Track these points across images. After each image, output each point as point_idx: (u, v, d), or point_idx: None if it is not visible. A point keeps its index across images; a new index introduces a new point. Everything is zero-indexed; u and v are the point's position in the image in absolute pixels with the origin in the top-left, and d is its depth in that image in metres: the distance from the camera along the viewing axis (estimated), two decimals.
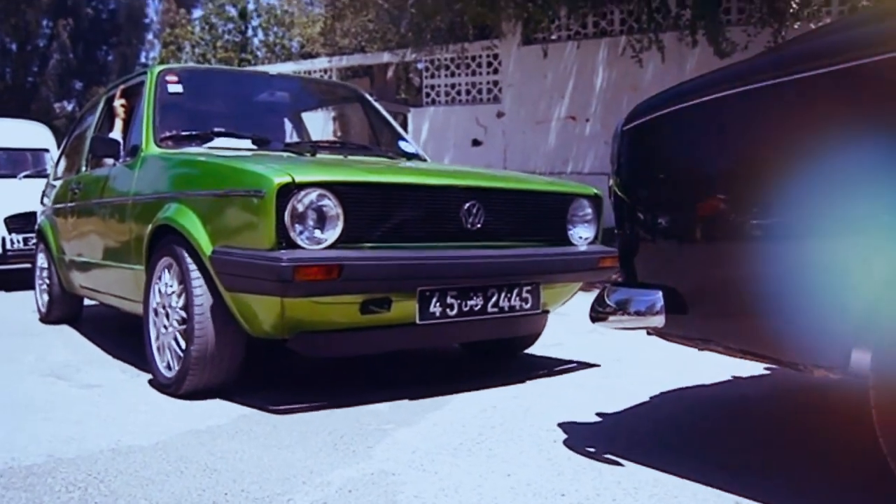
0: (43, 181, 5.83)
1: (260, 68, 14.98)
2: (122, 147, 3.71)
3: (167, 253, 2.96)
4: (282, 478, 1.99)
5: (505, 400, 2.80)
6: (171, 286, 2.94)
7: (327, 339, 2.74)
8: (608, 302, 2.09)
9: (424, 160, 4.12)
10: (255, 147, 3.49)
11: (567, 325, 4.37)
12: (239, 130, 3.61)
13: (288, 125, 4.61)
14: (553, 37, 10.64)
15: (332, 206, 2.55)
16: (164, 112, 3.56)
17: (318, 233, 2.54)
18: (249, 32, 21.93)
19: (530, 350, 3.68)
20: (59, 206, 4.76)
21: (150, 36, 33.46)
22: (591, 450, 2.18)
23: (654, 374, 3.16)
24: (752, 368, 3.09)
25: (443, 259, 2.71)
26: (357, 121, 4.90)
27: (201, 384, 2.80)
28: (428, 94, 11.70)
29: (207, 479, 1.99)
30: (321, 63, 13.60)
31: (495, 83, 11.11)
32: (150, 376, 3.12)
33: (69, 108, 30.22)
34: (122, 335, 4.35)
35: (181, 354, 2.82)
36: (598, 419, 2.55)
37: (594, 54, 10.23)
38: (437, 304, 2.73)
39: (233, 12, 21.62)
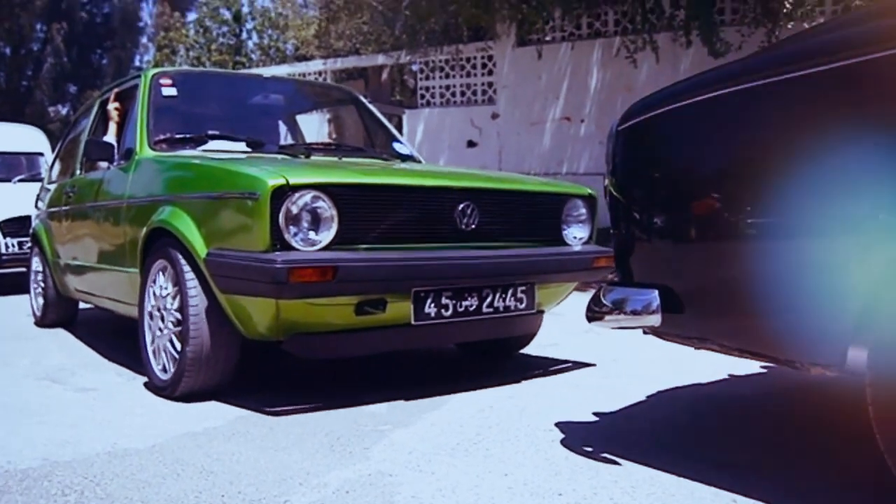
0: (37, 185, 5.82)
1: (254, 71, 14.97)
2: (116, 150, 3.70)
3: (162, 256, 2.96)
4: (278, 479, 1.98)
5: (501, 400, 2.80)
6: (165, 288, 2.93)
7: (322, 341, 2.73)
8: (604, 301, 2.09)
9: (419, 162, 4.12)
10: (249, 150, 3.48)
11: (563, 325, 4.37)
12: (233, 133, 3.60)
13: (282, 127, 4.60)
14: (547, 38, 10.66)
15: (326, 207, 2.55)
16: (158, 115, 3.56)
17: (312, 234, 2.53)
18: (244, 35, 21.93)
19: (526, 350, 3.68)
20: (53, 209, 4.75)
21: (144, 39, 33.50)
22: (589, 449, 2.18)
23: (651, 374, 3.17)
24: (748, 367, 3.10)
25: (437, 260, 2.71)
26: (351, 123, 4.91)
27: (197, 386, 2.80)
28: (423, 96, 11.71)
29: (204, 481, 1.98)
30: (316, 65, 13.61)
31: (490, 84, 11.12)
32: (145, 379, 3.11)
33: (63, 111, 30.20)
34: (117, 338, 4.34)
35: (177, 356, 2.82)
36: (594, 419, 2.55)
37: (588, 55, 10.24)
38: (432, 304, 2.73)
39: (227, 15, 21.61)
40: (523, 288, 2.95)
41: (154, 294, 3.02)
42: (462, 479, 1.97)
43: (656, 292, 1.97)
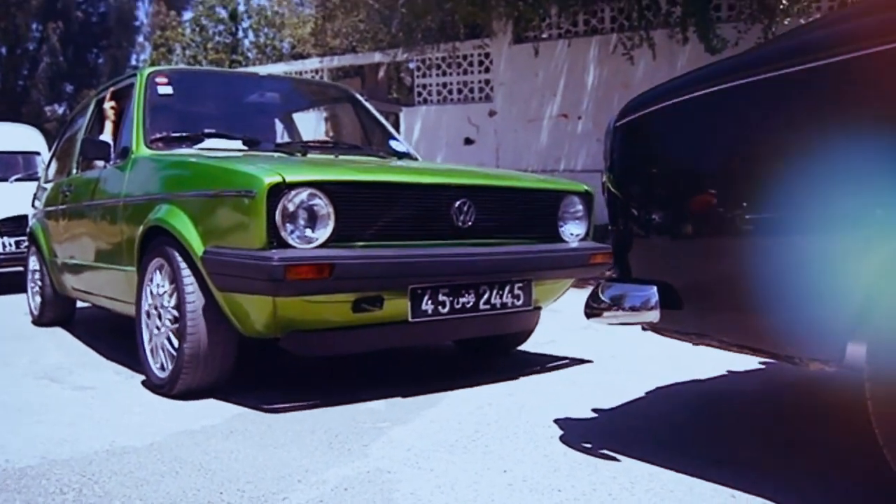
0: (34, 184, 5.81)
1: (251, 69, 14.96)
2: (112, 149, 3.70)
3: (159, 254, 2.95)
4: (277, 477, 1.98)
5: (500, 397, 2.80)
6: (162, 286, 2.93)
7: (320, 338, 2.73)
8: (602, 298, 2.09)
9: (415, 159, 4.12)
10: (245, 148, 3.48)
11: (560, 322, 4.37)
12: (229, 131, 3.60)
13: (279, 126, 4.60)
14: (544, 35, 10.65)
15: (322, 205, 2.55)
16: (154, 114, 3.55)
17: (309, 232, 2.53)
18: (240, 34, 21.88)
19: (523, 347, 3.68)
20: (50, 208, 4.74)
21: (140, 38, 33.41)
22: (587, 446, 2.18)
23: (649, 370, 3.17)
24: (746, 363, 3.10)
25: (434, 257, 2.71)
26: (348, 121, 4.89)
27: (194, 384, 2.80)
28: (419, 94, 11.70)
29: (202, 478, 1.98)
30: (312, 64, 13.59)
31: (487, 82, 11.11)
32: (143, 378, 3.11)
33: (60, 111, 30.13)
34: (114, 337, 4.33)
35: (174, 354, 2.81)
36: (593, 415, 2.55)
37: (585, 52, 10.23)
38: (429, 301, 2.73)
39: (223, 14, 21.56)
40: (520, 285, 2.95)
41: (151, 292, 3.02)
42: (461, 475, 1.97)
43: (655, 288, 1.97)
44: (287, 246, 2.49)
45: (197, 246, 2.72)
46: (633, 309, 2.01)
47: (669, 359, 3.29)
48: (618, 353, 3.60)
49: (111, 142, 3.78)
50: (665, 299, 1.96)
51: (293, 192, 2.50)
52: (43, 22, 29.53)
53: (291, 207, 2.50)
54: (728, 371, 3.08)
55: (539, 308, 3.25)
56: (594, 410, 2.59)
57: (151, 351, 3.02)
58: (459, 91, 11.34)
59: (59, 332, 4.67)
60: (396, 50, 11.23)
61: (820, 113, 1.62)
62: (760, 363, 3.12)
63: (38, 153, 8.00)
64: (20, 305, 5.59)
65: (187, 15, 24.97)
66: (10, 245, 6.71)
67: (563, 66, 10.39)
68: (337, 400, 2.74)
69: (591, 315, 2.13)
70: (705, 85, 1.89)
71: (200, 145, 3.43)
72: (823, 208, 1.55)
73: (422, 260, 2.68)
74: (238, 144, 3.48)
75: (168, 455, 2.18)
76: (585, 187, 3.33)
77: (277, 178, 2.49)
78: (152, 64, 20.79)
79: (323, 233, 2.55)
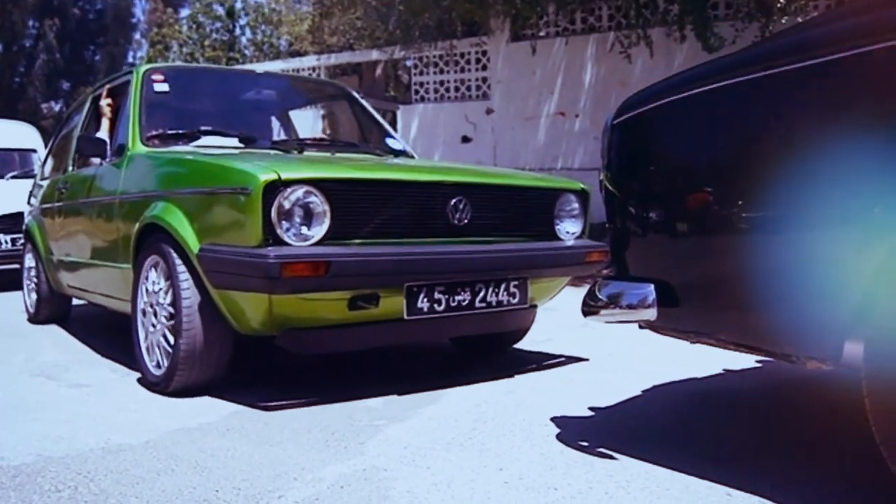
0: (30, 181, 5.80)
1: (247, 67, 14.93)
2: (108, 146, 3.69)
3: (154, 251, 2.95)
4: (273, 474, 1.98)
5: (496, 395, 2.79)
6: (158, 284, 2.92)
7: (316, 336, 2.73)
8: (600, 296, 2.09)
9: (412, 157, 4.12)
10: (241, 145, 3.47)
11: (557, 320, 4.37)
12: (226, 129, 3.59)
13: (275, 123, 4.59)
14: (541, 33, 10.64)
15: (318, 202, 2.54)
16: (151, 111, 3.55)
17: (305, 229, 2.53)
18: (237, 31, 21.86)
19: (519, 345, 3.68)
20: (46, 206, 4.73)
21: (137, 35, 33.37)
22: (584, 444, 2.18)
23: (646, 368, 3.17)
24: (743, 362, 3.10)
25: (430, 255, 2.71)
26: (345, 119, 4.89)
27: (190, 381, 2.79)
28: (417, 92, 11.69)
29: (198, 476, 1.98)
30: (309, 61, 13.56)
31: (484, 80, 11.10)
32: (139, 375, 3.10)
33: (56, 108, 30.07)
34: (110, 334, 4.32)
35: (170, 351, 2.81)
36: (590, 413, 2.55)
37: (582, 50, 10.23)
38: (425, 299, 2.73)
39: (220, 11, 21.53)
40: (516, 282, 2.95)
41: (147, 290, 3.01)
42: (457, 473, 1.96)
43: (652, 286, 1.97)
44: (283, 243, 2.48)
45: (193, 243, 2.71)
46: (630, 307, 2.01)
47: (666, 357, 3.28)
48: (615, 352, 3.60)
49: (108, 139, 3.77)
50: (662, 297, 1.96)
51: (289, 190, 2.49)
52: (39, 19, 29.46)
53: (287, 205, 2.50)
54: (725, 369, 3.08)
55: (535, 306, 3.25)
56: (591, 409, 2.59)
57: (147, 349, 3.01)
58: (457, 89, 11.33)
59: (54, 330, 4.66)
60: (394, 48, 11.21)
61: (817, 111, 1.62)
62: (757, 361, 3.12)
63: (34, 150, 7.99)
64: (16, 303, 5.58)
65: (184, 12, 24.96)
66: (6, 242, 6.70)
67: (561, 64, 10.39)
68: (333, 398, 2.74)
69: (588, 313, 2.12)
70: (703, 83, 1.89)
71: (196, 143, 3.43)
72: (821, 206, 1.55)
73: (418, 258, 2.68)
74: (234, 142, 3.48)
75: (164, 453, 2.18)
76: (581, 185, 3.33)
77: (273, 176, 2.48)
78: (149, 61, 20.76)
79: (319, 230, 2.54)
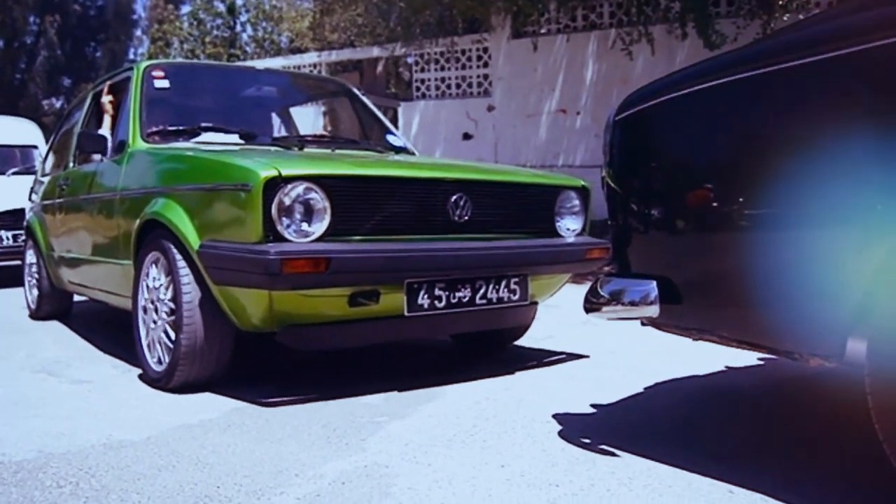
0: (31, 178, 5.79)
1: (248, 63, 14.92)
2: (109, 143, 3.69)
3: (155, 248, 2.95)
4: (274, 471, 1.98)
5: (497, 392, 2.79)
6: (158, 280, 2.92)
7: (316, 332, 2.73)
8: (602, 293, 2.08)
9: (412, 154, 4.11)
10: (242, 142, 3.47)
11: (558, 317, 4.37)
12: (226, 125, 3.58)
13: (276, 120, 4.59)
14: (543, 30, 10.63)
15: (319, 199, 2.54)
16: (151, 107, 3.54)
17: (305, 226, 2.52)
18: (238, 28, 21.81)
19: (520, 342, 3.68)
20: (47, 202, 4.73)
21: (138, 32, 33.35)
22: (586, 441, 2.18)
23: (648, 365, 3.16)
24: (745, 359, 3.10)
25: (430, 251, 2.71)
26: (346, 115, 4.89)
27: (191, 377, 2.79)
28: (418, 89, 11.68)
29: (199, 472, 1.98)
30: (310, 58, 13.55)
31: (485, 77, 11.09)
32: (140, 372, 3.10)
33: (57, 104, 30.07)
34: (112, 330, 4.32)
35: (171, 346, 2.81)
36: (592, 410, 2.54)
37: (584, 47, 10.22)
38: (426, 296, 2.72)
39: (221, 7, 21.49)
40: (516, 279, 2.94)
41: (148, 287, 3.01)
42: (459, 470, 1.96)
43: (654, 283, 1.96)
44: (283, 240, 2.48)
45: (193, 239, 2.71)
46: (632, 304, 2.00)
47: (668, 354, 3.28)
48: (616, 349, 3.60)
49: (110, 136, 3.77)
50: (665, 294, 1.95)
51: (289, 186, 2.49)
52: (40, 15, 29.45)
53: (287, 201, 2.49)
54: (727, 367, 3.08)
55: (535, 303, 3.25)
56: (592, 406, 2.59)
57: (148, 345, 3.01)
58: (458, 86, 11.32)
59: (56, 326, 4.66)
60: (395, 44, 11.20)
61: (819, 108, 1.61)
62: (759, 359, 3.11)
63: (35, 147, 7.99)
64: (17, 299, 5.58)
65: (185, 8, 24.92)
66: (8, 239, 6.70)
67: (562, 61, 10.37)
68: (334, 394, 2.74)
69: (590, 310, 2.12)
70: (705, 79, 1.88)
71: (197, 139, 3.42)
72: (824, 204, 1.55)
73: (418, 254, 2.68)
74: (235, 138, 3.48)
75: (165, 449, 2.18)
76: (582, 182, 3.32)
77: (273, 172, 2.48)
78: (150, 57, 20.72)
79: (319, 227, 2.54)
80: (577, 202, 3.27)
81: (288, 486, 1.87)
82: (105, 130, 3.88)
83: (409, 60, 12.89)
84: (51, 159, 5.19)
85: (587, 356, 3.44)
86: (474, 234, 2.89)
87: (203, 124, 3.53)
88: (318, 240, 2.53)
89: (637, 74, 9.11)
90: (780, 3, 7.87)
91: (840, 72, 1.55)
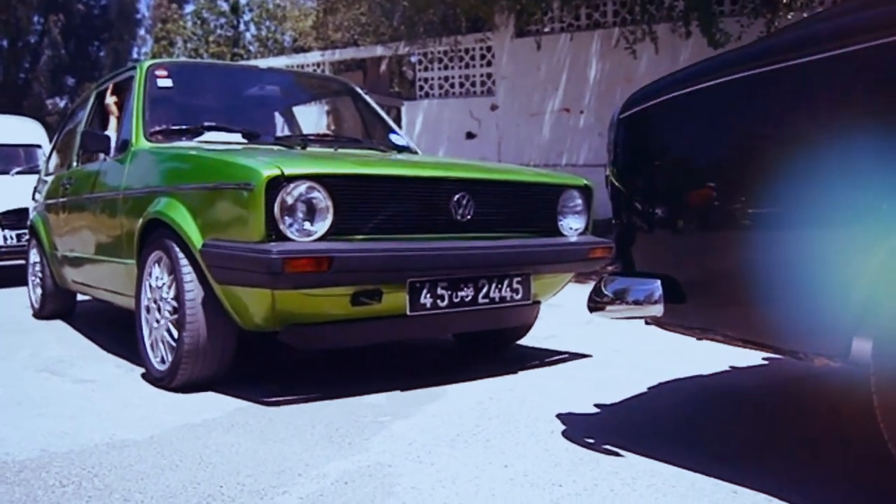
0: (35, 177, 5.80)
1: (252, 62, 14.93)
2: (112, 142, 3.69)
3: (158, 247, 2.94)
4: (277, 470, 1.97)
5: (500, 391, 2.79)
6: (161, 278, 2.92)
7: (318, 332, 2.72)
8: (606, 291, 2.08)
9: (415, 153, 4.11)
10: (245, 141, 3.46)
11: (561, 317, 4.36)
12: (229, 124, 3.58)
13: (279, 119, 4.58)
14: (546, 29, 10.62)
15: (321, 198, 2.53)
16: (154, 106, 3.54)
17: (307, 225, 2.52)
18: (241, 27, 21.82)
19: (523, 342, 3.67)
20: (50, 201, 4.73)
21: (141, 31, 33.39)
22: (589, 440, 2.17)
23: (652, 365, 3.15)
24: (749, 359, 3.09)
25: (433, 250, 2.70)
26: (349, 115, 4.89)
27: (194, 376, 2.79)
28: (421, 88, 11.68)
29: (202, 472, 1.97)
30: (314, 57, 13.55)
31: (489, 76, 11.08)
32: (144, 371, 3.10)
33: (61, 104, 30.12)
34: (115, 330, 4.33)
35: (174, 345, 2.81)
36: (595, 410, 2.54)
37: (587, 46, 10.21)
38: (428, 295, 2.72)
39: (224, 7, 21.50)
40: (519, 278, 2.94)
41: (150, 286, 3.01)
42: (462, 470, 1.96)
43: (658, 282, 1.96)
44: (286, 239, 2.48)
45: (196, 239, 2.71)
46: (636, 303, 1.99)
47: (672, 353, 3.27)
48: (620, 348, 3.59)
49: (113, 136, 3.77)
50: (669, 293, 1.95)
51: (292, 185, 2.49)
52: (44, 15, 29.49)
53: (290, 200, 2.49)
54: (731, 366, 3.07)
55: (538, 302, 3.25)
56: (596, 405, 2.58)
57: (151, 345, 3.01)
58: (461, 85, 11.31)
59: (59, 325, 4.66)
60: (398, 43, 11.20)
61: (824, 106, 1.60)
62: (764, 359, 3.11)
63: (39, 146, 8.00)
64: (21, 298, 5.59)
65: (189, 8, 24.92)
66: (12, 238, 6.71)
67: (566, 60, 10.36)
68: (337, 394, 2.74)
69: (594, 309, 2.11)
70: (710, 77, 1.87)
71: (200, 138, 3.42)
72: (829, 202, 1.54)
73: (420, 253, 2.67)
74: (238, 138, 3.47)
75: (168, 448, 2.17)
76: (585, 181, 3.32)
77: (276, 171, 2.48)
78: (154, 57, 20.75)
79: (322, 226, 2.53)
80: (579, 201, 3.26)
81: (291, 485, 1.87)
82: (111, 132, 3.89)
83: (413, 59, 12.89)
84: (54, 158, 5.19)
85: (590, 356, 3.44)
86: (477, 234, 2.88)
87: (206, 123, 3.53)
88: (321, 239, 2.53)
89: (641, 73, 9.09)
90: (784, 1, 7.85)
91: (845, 70, 1.54)
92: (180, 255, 2.77)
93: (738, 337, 1.89)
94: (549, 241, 3.12)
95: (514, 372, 3.11)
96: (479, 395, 2.73)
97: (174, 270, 2.79)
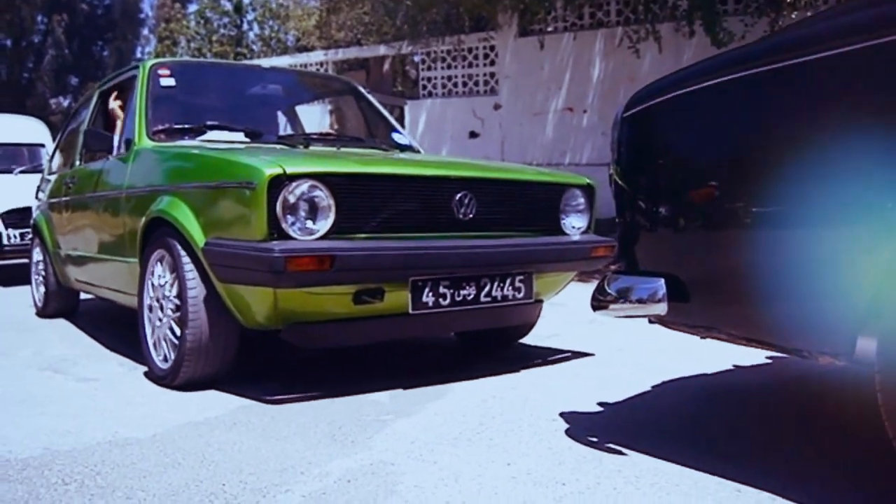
0: (39, 176, 5.81)
1: (255, 62, 14.93)
2: (115, 141, 3.69)
3: (160, 245, 2.95)
4: (280, 468, 1.97)
5: (503, 390, 2.78)
6: (163, 277, 2.92)
7: (321, 330, 2.72)
8: (609, 290, 2.07)
9: (418, 152, 4.11)
10: (247, 140, 3.46)
11: (564, 316, 4.35)
12: (232, 123, 3.58)
13: (281, 118, 4.58)
14: (549, 28, 10.60)
15: (323, 197, 2.53)
16: (157, 105, 3.54)
17: (309, 223, 2.52)
18: (245, 26, 21.84)
19: (527, 340, 3.67)
20: (53, 200, 4.74)
21: (145, 31, 33.45)
22: (593, 439, 2.17)
23: (655, 364, 3.15)
24: (753, 357, 3.08)
25: (435, 249, 2.70)
26: (351, 114, 4.88)
27: (197, 374, 2.79)
28: (424, 87, 11.67)
29: (205, 470, 1.97)
30: (317, 56, 13.55)
31: (492, 75, 11.07)
32: (146, 369, 3.10)
33: (65, 103, 30.16)
34: (118, 329, 4.33)
35: (176, 343, 2.81)
36: (598, 409, 2.53)
37: (591, 45, 10.19)
38: (430, 293, 2.72)
39: (227, 6, 21.52)
40: (521, 277, 2.93)
41: (153, 285, 3.01)
42: (464, 468, 1.95)
43: (662, 281, 1.95)
44: (288, 237, 2.47)
45: (198, 237, 2.71)
46: (640, 301, 1.99)
47: (676, 352, 3.27)
48: (623, 347, 3.58)
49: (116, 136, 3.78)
50: (672, 292, 1.94)
51: (294, 184, 2.49)
52: (48, 14, 29.55)
53: (292, 199, 2.49)
54: (735, 365, 3.06)
55: (540, 301, 3.24)
56: (599, 404, 2.58)
57: (154, 343, 3.01)
58: (464, 84, 11.30)
59: (62, 324, 4.67)
60: (401, 43, 11.20)
61: (831, 105, 1.59)
62: (767, 357, 3.10)
63: (42, 145, 8.02)
64: (25, 297, 5.60)
65: (192, 7, 24.94)
66: (15, 237, 6.72)
67: (569, 59, 10.35)
68: (340, 392, 2.73)
69: (597, 307, 2.11)
70: (714, 75, 1.87)
71: (202, 137, 3.42)
72: (834, 201, 1.53)
73: (423, 252, 2.67)
74: (240, 136, 3.47)
75: (171, 446, 2.17)
76: (587, 180, 3.31)
77: (278, 170, 2.47)
78: (157, 56, 20.76)
79: (324, 224, 2.53)
80: (582, 200, 3.26)
81: (293, 483, 1.87)
82: (117, 136, 3.89)
83: (416, 59, 12.89)
84: (58, 158, 5.20)
85: (593, 354, 3.43)
86: (479, 232, 2.88)
87: (209, 122, 3.53)
88: (323, 237, 2.52)
89: (644, 72, 9.07)
90: (788, 0, 7.83)
91: (850, 69, 1.53)
92: (183, 253, 2.77)
93: (742, 335, 1.88)
94: (551, 239, 3.11)
95: (517, 370, 3.10)
96: (482, 394, 2.72)
97: (176, 269, 2.80)
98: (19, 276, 6.59)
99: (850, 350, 1.54)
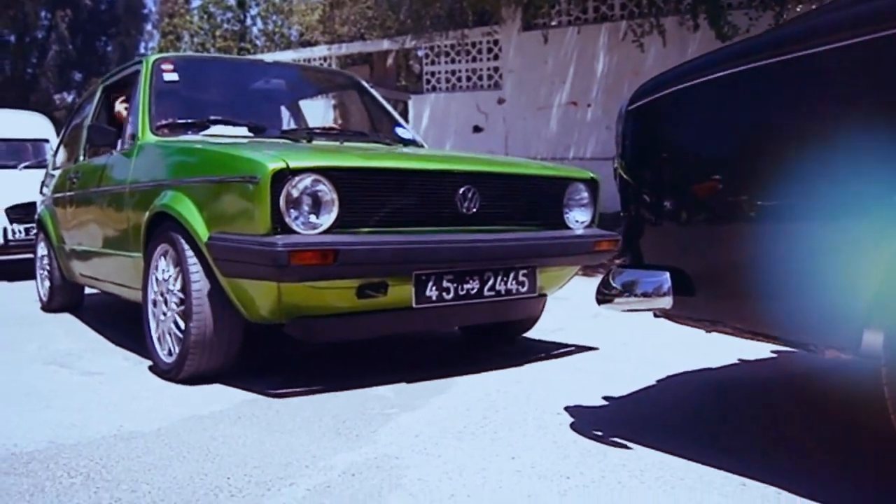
0: (43, 171, 5.82)
1: (258, 56, 14.92)
2: (118, 136, 3.70)
3: (164, 240, 2.95)
4: (284, 462, 1.97)
5: (508, 384, 2.78)
6: (167, 271, 2.93)
7: (324, 324, 2.72)
8: (614, 284, 2.07)
9: (421, 146, 4.10)
10: (251, 134, 3.46)
11: (568, 310, 4.35)
12: (235, 118, 3.59)
13: (285, 113, 4.58)
14: (553, 22, 10.58)
15: (326, 191, 2.53)
16: (160, 100, 3.54)
17: (313, 218, 2.52)
18: (248, 21, 21.85)
19: (531, 334, 3.67)
20: (58, 195, 4.74)
21: (148, 26, 33.43)
22: (597, 433, 2.16)
23: (660, 358, 3.14)
24: (758, 351, 3.07)
25: (438, 243, 2.69)
26: (355, 108, 4.87)
27: (201, 368, 2.79)
28: (428, 81, 11.66)
29: (210, 463, 1.97)
30: (320, 51, 13.55)
31: (496, 69, 11.05)
32: (151, 363, 3.10)
33: (69, 99, 30.18)
34: (123, 323, 4.34)
35: (181, 336, 2.81)
36: (603, 403, 2.53)
37: (595, 39, 10.17)
38: (434, 287, 2.71)
39: (231, 1, 21.52)
40: (524, 271, 2.93)
41: (157, 279, 3.01)
42: (469, 462, 1.95)
43: (667, 274, 1.95)
44: (291, 232, 2.47)
45: (202, 232, 2.71)
46: (645, 295, 1.98)
47: (681, 346, 3.26)
48: (628, 341, 3.58)
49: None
50: (678, 285, 1.93)
51: (297, 178, 2.48)
52: (51, 10, 29.54)
53: (295, 193, 2.49)
54: (740, 359, 3.06)
55: (544, 295, 3.24)
56: (604, 398, 2.58)
57: (158, 338, 3.01)
58: (468, 78, 11.29)
59: (67, 318, 4.68)
60: (405, 37, 11.18)
61: (837, 98, 1.59)
62: (773, 351, 3.09)
63: (46, 140, 8.02)
64: (29, 292, 5.61)
65: (195, 2, 24.94)
66: (20, 232, 6.73)
67: (573, 53, 10.33)
68: (344, 386, 2.73)
69: (602, 301, 2.10)
70: (718, 68, 1.86)
71: (206, 132, 3.42)
72: (840, 193, 1.52)
73: (426, 246, 2.66)
74: (244, 131, 3.47)
75: (175, 440, 2.18)
76: (591, 174, 3.30)
77: (281, 164, 2.47)
78: (161, 51, 20.78)
79: (327, 219, 2.53)
80: (585, 194, 3.25)
81: (298, 477, 1.87)
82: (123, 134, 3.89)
83: (420, 53, 12.86)
84: (62, 153, 5.21)
85: (598, 348, 3.43)
86: (482, 227, 2.87)
87: (212, 117, 3.53)
88: (326, 232, 2.52)
89: (648, 66, 9.05)
90: None
91: (858, 61, 1.52)
92: (186, 247, 2.78)
93: (747, 329, 1.87)
94: (554, 233, 3.11)
95: (521, 364, 3.10)
96: (486, 388, 2.72)
97: (180, 263, 2.80)
98: (24, 271, 6.60)
99: (857, 343, 1.53)
